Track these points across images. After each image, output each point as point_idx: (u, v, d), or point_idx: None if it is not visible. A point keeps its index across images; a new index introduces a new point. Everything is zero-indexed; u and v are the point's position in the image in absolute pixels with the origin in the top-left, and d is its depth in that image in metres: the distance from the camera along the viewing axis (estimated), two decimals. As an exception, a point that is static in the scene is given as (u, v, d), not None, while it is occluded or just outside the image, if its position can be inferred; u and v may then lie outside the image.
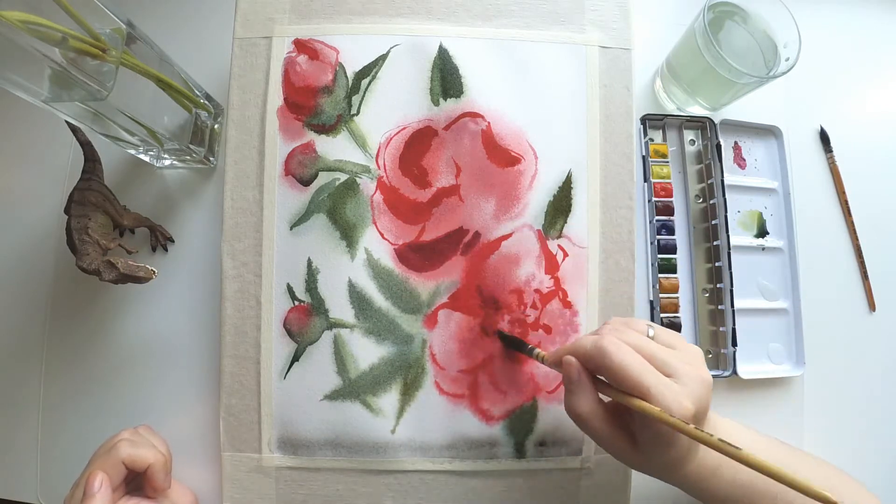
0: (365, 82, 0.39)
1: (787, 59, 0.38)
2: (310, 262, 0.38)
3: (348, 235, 0.38)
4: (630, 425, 0.30)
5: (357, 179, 0.39)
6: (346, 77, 0.39)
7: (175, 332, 0.41)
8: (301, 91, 0.39)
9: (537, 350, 0.35)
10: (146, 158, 0.41)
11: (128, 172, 0.43)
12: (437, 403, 0.38)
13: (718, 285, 0.42)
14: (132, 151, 0.40)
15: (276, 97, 0.39)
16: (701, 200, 0.44)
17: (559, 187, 0.39)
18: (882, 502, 0.33)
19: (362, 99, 0.39)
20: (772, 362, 0.43)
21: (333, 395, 0.37)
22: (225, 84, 0.40)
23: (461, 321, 0.38)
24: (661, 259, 0.42)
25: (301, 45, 0.39)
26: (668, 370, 0.28)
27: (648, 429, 0.28)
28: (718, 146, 0.43)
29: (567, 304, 0.38)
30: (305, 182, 0.39)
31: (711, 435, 0.25)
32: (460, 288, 0.38)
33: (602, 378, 0.30)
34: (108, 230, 0.38)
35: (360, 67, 0.39)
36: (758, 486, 0.30)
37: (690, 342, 0.41)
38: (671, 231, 0.43)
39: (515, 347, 0.37)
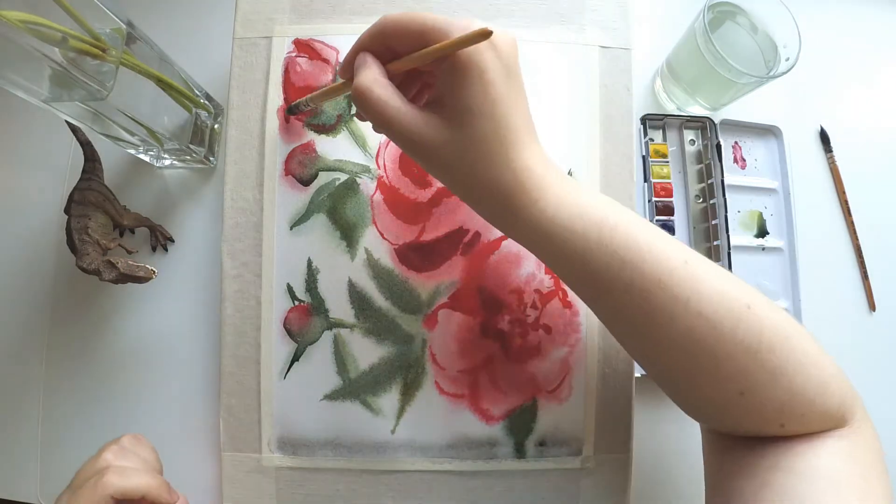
0: (365, 82, 0.39)
1: (787, 59, 0.38)
2: (310, 262, 0.38)
3: (348, 235, 0.38)
4: (434, 96, 0.27)
5: (357, 179, 0.39)
6: (346, 77, 0.39)
7: (175, 332, 0.41)
8: (301, 91, 0.39)
9: (302, 100, 0.35)
10: (146, 158, 0.41)
11: (128, 172, 0.43)
12: (437, 403, 0.38)
13: (718, 285, 0.42)
14: (132, 151, 0.40)
15: (276, 97, 0.39)
16: (701, 200, 0.44)
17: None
18: None
19: (362, 99, 0.39)
20: (772, 362, 0.43)
21: (333, 395, 0.37)
22: (225, 84, 0.40)
23: (461, 321, 0.38)
24: (661, 259, 0.42)
25: (301, 45, 0.39)
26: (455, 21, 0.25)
27: (448, 69, 0.25)
28: (718, 146, 0.43)
29: (567, 304, 0.38)
30: (305, 182, 0.39)
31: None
32: (460, 288, 0.38)
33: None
34: (108, 230, 0.38)
35: (360, 67, 0.39)
36: (627, 219, 0.27)
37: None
38: (671, 231, 0.43)
39: (295, 111, 0.37)
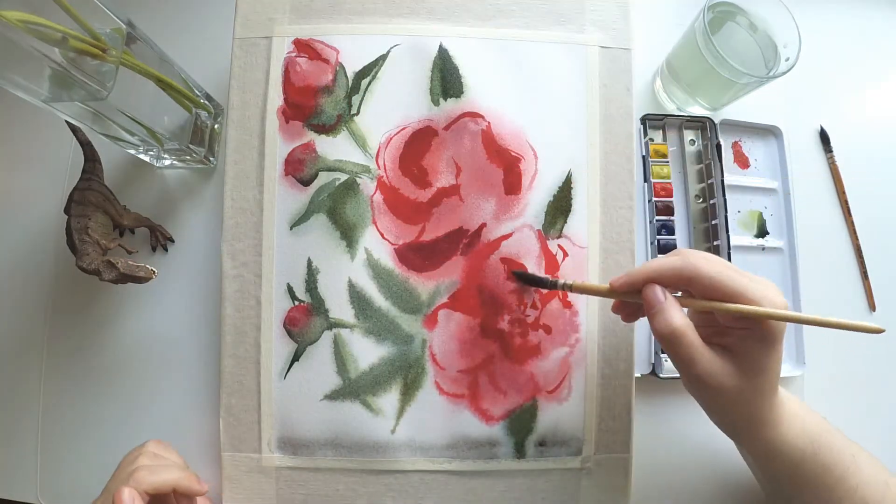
0: (365, 82, 0.39)
1: (787, 59, 0.38)
2: (310, 262, 0.38)
3: (348, 235, 0.38)
4: (725, 343, 0.30)
5: (357, 179, 0.39)
6: (347, 77, 0.39)
7: (175, 332, 0.41)
8: (301, 91, 0.39)
9: (562, 281, 0.35)
10: (146, 158, 0.41)
11: (128, 172, 0.43)
12: (437, 403, 0.38)
13: (718, 285, 0.42)
14: (132, 151, 0.40)
15: (276, 97, 0.39)
16: (701, 200, 0.44)
17: (559, 187, 0.39)
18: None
19: (362, 99, 0.39)
20: (772, 362, 0.43)
21: (333, 395, 0.37)
22: (225, 84, 0.40)
23: (461, 321, 0.38)
24: (661, 259, 0.42)
25: (301, 45, 0.39)
26: (751, 279, 0.29)
27: (750, 333, 0.28)
28: (718, 146, 0.43)
29: (567, 304, 0.38)
30: (305, 182, 0.39)
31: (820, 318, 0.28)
32: (460, 288, 0.38)
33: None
34: (108, 230, 0.38)
35: (361, 67, 0.39)
36: (828, 440, 0.32)
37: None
38: (671, 231, 0.43)
39: (534, 284, 0.37)
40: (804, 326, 0.42)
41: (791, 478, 0.32)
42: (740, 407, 0.30)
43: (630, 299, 0.32)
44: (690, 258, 0.29)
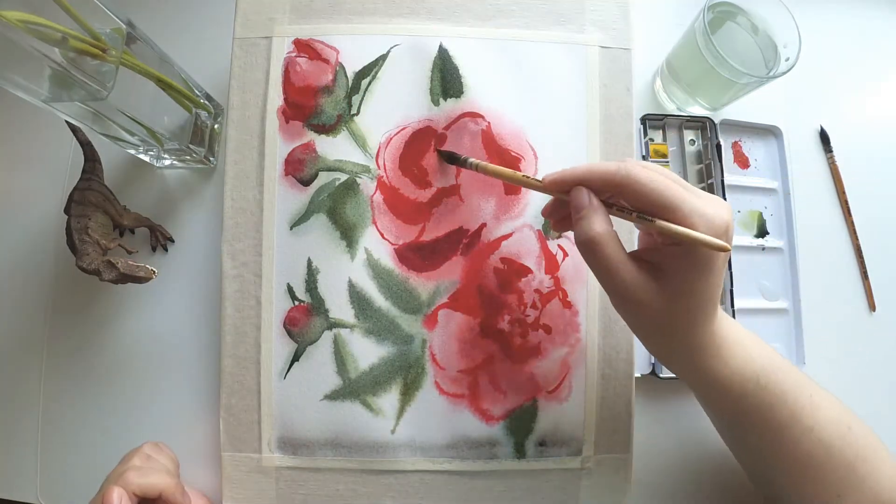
0: (365, 82, 0.39)
1: (787, 59, 0.38)
2: (310, 262, 0.38)
3: (348, 235, 0.38)
4: (653, 259, 0.28)
5: (357, 179, 0.39)
6: (347, 77, 0.39)
7: (175, 332, 0.41)
8: (301, 91, 0.39)
9: (472, 160, 0.35)
10: (146, 158, 0.41)
11: (128, 172, 0.43)
12: (437, 403, 0.38)
13: (718, 285, 0.42)
14: (132, 151, 0.40)
15: (276, 97, 0.39)
16: (701, 200, 0.44)
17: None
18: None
19: (362, 99, 0.39)
20: (772, 362, 0.43)
21: (333, 395, 0.37)
22: (225, 84, 0.40)
23: (461, 321, 0.38)
24: (661, 259, 0.42)
25: (301, 45, 0.39)
26: (695, 197, 0.26)
27: (681, 252, 0.26)
28: (718, 146, 0.43)
29: (567, 304, 0.38)
30: (305, 182, 0.39)
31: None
32: (460, 288, 0.38)
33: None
34: (108, 230, 0.38)
35: (361, 67, 0.39)
36: (778, 376, 0.30)
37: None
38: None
39: (451, 161, 0.37)
40: (804, 324, 0.42)
41: (736, 414, 0.31)
42: (668, 330, 0.28)
43: (557, 195, 0.30)
44: (628, 163, 0.27)
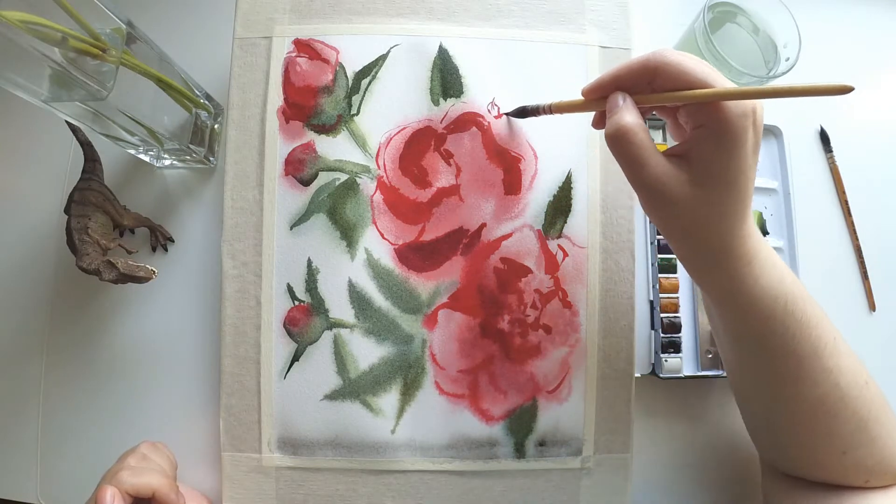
0: (365, 82, 0.39)
1: (787, 59, 0.38)
2: (310, 262, 0.38)
3: (348, 235, 0.38)
4: (682, 150, 0.27)
5: (357, 179, 0.39)
6: (347, 77, 0.39)
7: (175, 332, 0.41)
8: (301, 91, 0.39)
9: (544, 105, 0.34)
10: (146, 158, 0.41)
11: (128, 172, 0.43)
12: (437, 403, 0.38)
13: (718, 285, 0.42)
14: (132, 151, 0.40)
15: (276, 97, 0.39)
16: (701, 200, 0.44)
17: (559, 187, 0.39)
18: None
19: (362, 99, 0.39)
20: (772, 362, 0.43)
21: (333, 395, 0.37)
22: (225, 84, 0.40)
23: (461, 321, 0.38)
24: (661, 259, 0.42)
25: (301, 45, 0.39)
26: (721, 75, 0.26)
27: (715, 121, 0.25)
28: (718, 146, 0.43)
29: (567, 304, 0.38)
30: (305, 182, 0.39)
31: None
32: (460, 288, 0.38)
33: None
34: (108, 230, 0.38)
35: (361, 67, 0.39)
36: (807, 306, 0.29)
37: (690, 342, 0.41)
38: (671, 231, 0.43)
39: (523, 115, 0.37)
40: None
41: (759, 339, 0.29)
42: (698, 228, 0.27)
43: (602, 108, 0.30)
44: (659, 49, 0.27)
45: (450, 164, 0.39)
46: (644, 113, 0.28)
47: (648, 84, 0.28)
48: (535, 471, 0.38)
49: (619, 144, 0.27)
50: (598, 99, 0.30)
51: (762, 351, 0.30)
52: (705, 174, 0.26)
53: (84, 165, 0.38)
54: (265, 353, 0.38)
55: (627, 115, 0.27)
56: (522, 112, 0.37)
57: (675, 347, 0.40)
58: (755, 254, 0.28)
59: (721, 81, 0.25)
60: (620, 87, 0.28)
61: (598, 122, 0.32)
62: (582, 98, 0.31)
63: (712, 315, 0.33)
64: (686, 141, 0.27)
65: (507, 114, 0.38)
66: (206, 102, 0.41)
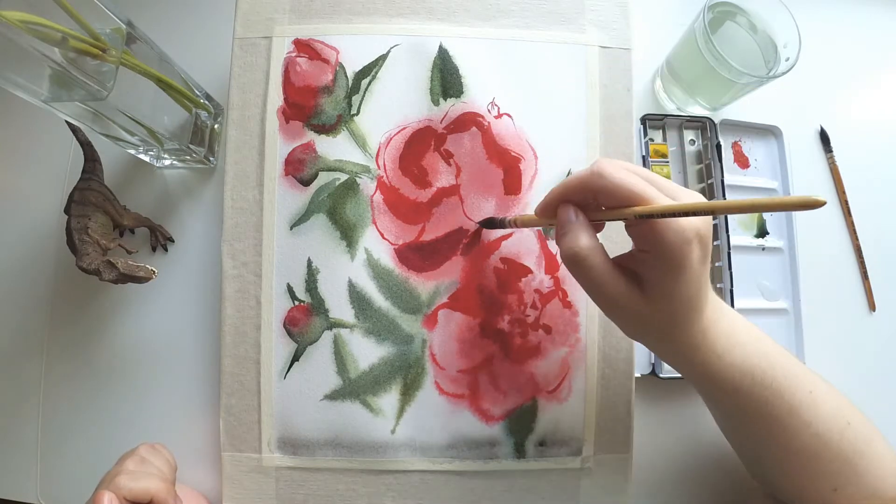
0: (365, 82, 0.39)
1: (787, 59, 0.38)
2: (310, 262, 0.38)
3: (348, 235, 0.38)
4: (634, 267, 0.28)
5: (357, 179, 0.39)
6: (347, 77, 0.39)
7: (175, 332, 0.41)
8: (301, 91, 0.39)
9: (508, 218, 0.35)
10: (146, 158, 0.41)
11: (128, 172, 0.43)
12: (437, 403, 0.38)
13: (718, 285, 0.42)
14: (132, 151, 0.40)
15: (276, 97, 0.39)
16: (701, 200, 0.44)
17: (559, 187, 0.39)
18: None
19: (362, 99, 0.39)
20: (772, 362, 0.43)
21: (333, 395, 0.37)
22: (225, 84, 0.40)
23: (461, 321, 0.38)
24: (661, 259, 0.42)
25: (301, 45, 0.39)
26: (670, 193, 0.26)
27: (658, 250, 0.26)
28: (718, 146, 0.43)
29: (567, 305, 0.38)
30: (305, 182, 0.39)
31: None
32: (460, 288, 0.38)
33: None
34: (108, 230, 0.38)
35: (361, 67, 0.39)
36: (776, 372, 0.30)
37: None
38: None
39: (491, 226, 0.37)
40: (804, 324, 0.42)
41: (733, 408, 0.31)
42: (656, 333, 0.29)
43: (551, 222, 0.30)
44: (598, 164, 0.27)
45: (450, 164, 0.39)
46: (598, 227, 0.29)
47: (594, 198, 0.28)
48: (535, 471, 0.38)
49: (577, 267, 0.27)
50: (552, 216, 0.30)
51: (739, 416, 0.31)
52: (657, 294, 0.27)
53: (84, 165, 0.38)
54: (265, 353, 0.38)
55: (582, 236, 0.27)
56: (490, 223, 0.37)
57: (675, 347, 0.40)
58: (716, 338, 0.29)
59: (655, 198, 0.25)
60: (569, 202, 0.28)
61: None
62: (534, 216, 0.31)
63: None
64: (634, 260, 0.28)
65: (479, 223, 0.38)
66: (206, 102, 0.41)
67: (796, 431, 0.30)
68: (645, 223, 0.26)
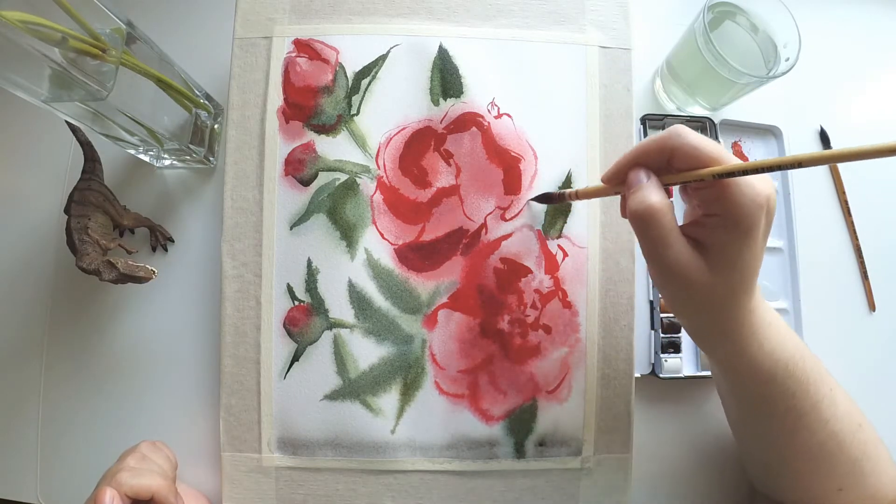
0: (365, 82, 0.39)
1: (787, 59, 0.38)
2: (310, 262, 0.38)
3: (348, 235, 0.38)
4: (696, 235, 0.27)
5: (357, 179, 0.39)
6: (346, 77, 0.39)
7: (175, 332, 0.41)
8: (301, 91, 0.39)
9: (568, 191, 0.35)
10: (146, 158, 0.41)
11: (128, 172, 0.43)
12: (437, 403, 0.38)
13: (718, 285, 0.42)
14: (132, 151, 0.40)
15: (276, 97, 0.39)
16: (701, 200, 0.44)
17: (559, 187, 0.39)
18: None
19: (362, 99, 0.39)
20: (772, 362, 0.43)
21: (333, 395, 0.37)
22: (225, 84, 0.40)
23: (461, 321, 0.38)
24: (661, 259, 0.42)
25: (301, 45, 0.39)
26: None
27: (730, 212, 0.25)
28: (718, 146, 0.43)
29: (567, 305, 0.38)
30: (305, 182, 0.39)
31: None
32: (460, 288, 0.38)
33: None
34: (108, 230, 0.38)
35: (360, 67, 0.39)
36: (806, 364, 0.30)
37: (689, 342, 0.41)
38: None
39: (547, 201, 0.37)
40: (804, 324, 0.42)
41: (759, 399, 0.31)
42: (710, 308, 0.28)
43: (621, 191, 0.30)
44: (675, 127, 0.27)
45: (450, 165, 0.39)
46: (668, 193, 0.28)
47: (667, 163, 0.27)
48: (535, 471, 0.38)
49: (645, 224, 0.26)
50: (620, 183, 0.29)
51: (764, 408, 0.31)
52: (721, 261, 0.27)
53: (84, 165, 0.38)
54: (265, 353, 0.38)
55: (654, 193, 0.26)
56: (546, 198, 0.37)
57: (674, 347, 0.41)
58: (760, 322, 0.29)
59: (733, 159, 0.26)
60: (640, 166, 0.28)
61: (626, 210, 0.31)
62: (602, 186, 0.31)
63: (715, 373, 0.34)
64: (700, 226, 0.27)
65: (531, 199, 0.38)
66: (206, 102, 0.41)
67: (815, 428, 0.30)
68: (718, 184, 0.26)
